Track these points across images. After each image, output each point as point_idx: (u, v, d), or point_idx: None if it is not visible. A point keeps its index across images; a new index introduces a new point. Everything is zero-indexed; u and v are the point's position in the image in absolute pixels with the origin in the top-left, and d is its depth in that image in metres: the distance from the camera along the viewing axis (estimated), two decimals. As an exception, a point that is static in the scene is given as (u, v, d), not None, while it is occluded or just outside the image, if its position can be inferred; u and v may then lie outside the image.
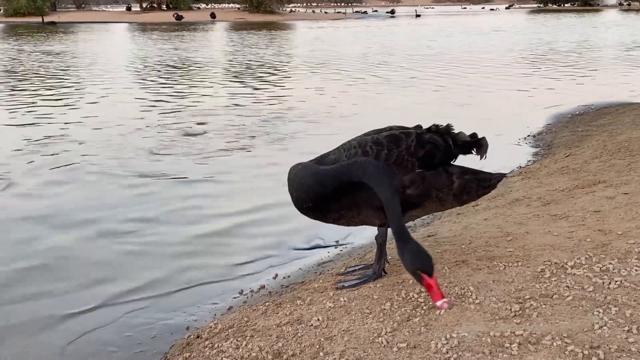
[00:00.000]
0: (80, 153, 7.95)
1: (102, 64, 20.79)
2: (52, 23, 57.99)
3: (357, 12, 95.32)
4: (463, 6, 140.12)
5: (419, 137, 3.03)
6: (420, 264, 2.64)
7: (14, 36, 38.75)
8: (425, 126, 3.19)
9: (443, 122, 3.18)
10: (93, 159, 7.64)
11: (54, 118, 10.61)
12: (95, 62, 21.51)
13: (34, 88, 14.77)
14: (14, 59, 22.61)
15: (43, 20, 60.30)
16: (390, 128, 3.20)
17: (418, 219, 4.03)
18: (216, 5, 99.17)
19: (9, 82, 15.86)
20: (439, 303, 2.63)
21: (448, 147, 3.05)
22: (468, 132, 3.15)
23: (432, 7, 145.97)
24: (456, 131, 3.12)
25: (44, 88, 14.74)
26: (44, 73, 18.02)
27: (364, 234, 4.82)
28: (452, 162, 3.13)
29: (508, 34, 36.81)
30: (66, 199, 6.14)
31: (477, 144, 3.10)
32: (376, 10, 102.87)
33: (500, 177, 3.25)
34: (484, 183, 3.16)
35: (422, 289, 2.88)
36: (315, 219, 3.21)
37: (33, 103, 12.37)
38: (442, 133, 3.07)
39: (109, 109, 11.62)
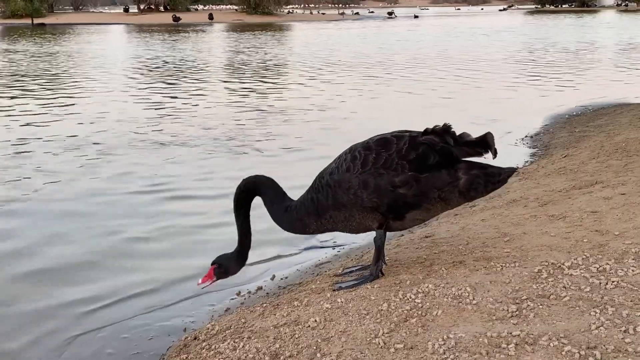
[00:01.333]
0: (80, 158, 7.94)
1: (91, 68, 20.77)
2: (42, 25, 57.98)
3: (342, 13, 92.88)
4: (457, 7, 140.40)
5: (412, 139, 3.01)
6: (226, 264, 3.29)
7: None
8: (430, 127, 3.16)
9: (440, 123, 3.16)
10: (96, 164, 7.63)
11: (43, 123, 10.60)
12: (84, 65, 21.48)
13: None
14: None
15: (32, 22, 60.24)
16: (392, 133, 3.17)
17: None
18: (214, 7, 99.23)
19: None
20: (200, 281, 3.29)
21: (446, 146, 3.00)
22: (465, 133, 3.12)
23: (427, 8, 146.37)
24: (457, 132, 3.06)
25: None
26: (28, 76, 17.99)
27: (361, 235, 4.79)
28: (456, 162, 3.04)
29: (505, 34, 36.85)
30: (65, 203, 6.12)
31: (482, 142, 3.01)
32: (372, 12, 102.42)
33: (511, 171, 3.14)
34: (492, 178, 3.07)
35: (420, 290, 2.89)
36: (312, 232, 3.42)
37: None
38: (440, 133, 3.03)
39: (105, 109, 11.63)
